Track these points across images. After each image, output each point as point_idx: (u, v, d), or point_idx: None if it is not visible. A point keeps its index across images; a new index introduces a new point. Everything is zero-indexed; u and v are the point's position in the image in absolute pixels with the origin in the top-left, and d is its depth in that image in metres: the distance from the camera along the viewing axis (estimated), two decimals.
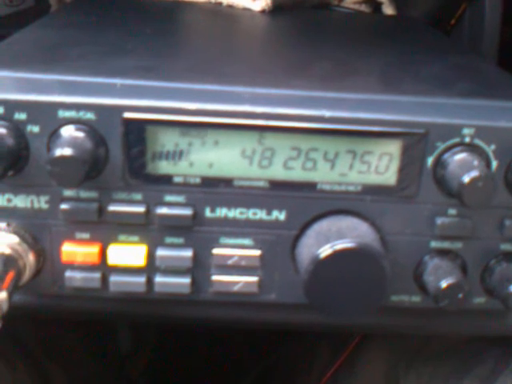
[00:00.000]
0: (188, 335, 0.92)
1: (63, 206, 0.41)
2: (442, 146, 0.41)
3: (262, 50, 0.56)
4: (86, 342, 0.80)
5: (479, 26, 0.73)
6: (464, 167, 0.40)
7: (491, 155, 0.41)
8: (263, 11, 0.68)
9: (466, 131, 0.41)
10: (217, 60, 0.49)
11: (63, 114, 0.39)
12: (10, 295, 0.39)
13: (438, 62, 0.52)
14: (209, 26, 0.64)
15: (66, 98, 0.39)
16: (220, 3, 0.71)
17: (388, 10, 0.81)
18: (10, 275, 0.40)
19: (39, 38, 0.50)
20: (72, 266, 0.43)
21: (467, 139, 0.41)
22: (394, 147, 0.41)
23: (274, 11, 0.69)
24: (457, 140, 0.41)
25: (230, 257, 0.43)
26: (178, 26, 0.62)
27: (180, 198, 0.42)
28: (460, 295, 0.42)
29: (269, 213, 0.42)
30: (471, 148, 0.41)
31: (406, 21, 0.75)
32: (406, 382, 0.62)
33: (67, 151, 0.37)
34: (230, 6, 0.71)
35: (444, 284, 0.42)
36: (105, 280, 0.43)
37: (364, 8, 0.81)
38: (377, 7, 0.81)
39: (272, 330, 0.54)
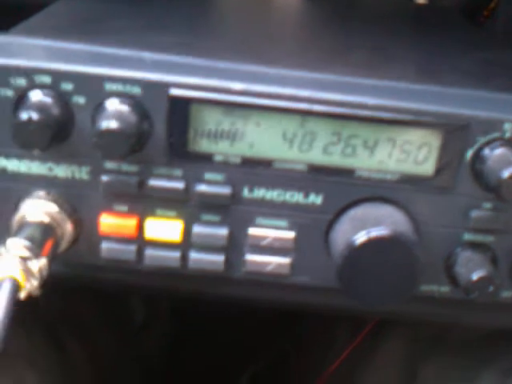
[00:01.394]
0: (203, 312, 0.92)
1: (104, 178, 0.42)
2: (482, 140, 0.41)
3: (300, 34, 0.56)
4: (100, 314, 0.81)
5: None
6: (503, 162, 0.40)
7: None
8: None
9: (507, 126, 0.41)
10: (257, 42, 0.49)
11: (110, 86, 0.39)
12: (49, 263, 0.39)
13: (473, 55, 0.52)
14: (245, 7, 0.64)
15: (114, 70, 0.39)
16: None
17: None
18: (49, 243, 0.40)
19: (79, 9, 0.51)
20: (109, 238, 0.43)
21: (508, 134, 0.41)
22: (434, 138, 0.41)
23: None
24: (497, 135, 0.41)
25: (265, 237, 0.44)
26: (215, 4, 0.62)
27: (219, 177, 0.42)
28: (491, 288, 0.43)
29: (306, 196, 0.43)
30: (511, 143, 0.41)
31: (439, 11, 0.75)
32: (423, 371, 0.63)
33: (114, 124, 0.38)
34: None
35: (475, 276, 0.42)
36: (140, 253, 0.44)
37: None
38: None
39: (296, 312, 0.55)
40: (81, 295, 0.74)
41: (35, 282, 0.38)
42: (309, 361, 0.90)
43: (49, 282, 0.39)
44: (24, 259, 0.37)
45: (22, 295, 0.37)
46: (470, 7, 0.80)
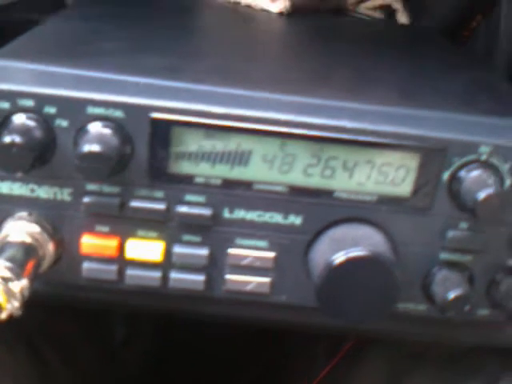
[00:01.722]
0: (185, 330, 0.92)
1: (86, 200, 0.42)
2: (458, 162, 0.42)
3: (282, 55, 0.57)
4: (82, 330, 0.81)
5: (494, 38, 0.74)
6: (479, 184, 0.41)
7: (506, 173, 0.42)
8: (281, 14, 0.69)
9: (483, 149, 0.42)
10: (239, 64, 0.49)
11: (92, 110, 0.40)
12: (31, 283, 0.40)
13: (454, 76, 0.53)
14: (228, 26, 0.65)
15: (96, 94, 0.40)
16: (238, 3, 0.72)
17: (402, 18, 0.81)
18: (31, 263, 0.41)
19: (63, 31, 0.51)
20: (90, 258, 0.44)
21: (484, 157, 0.42)
22: (411, 160, 0.42)
23: (290, 14, 0.70)
24: (473, 157, 0.42)
25: (245, 257, 0.44)
26: (198, 23, 0.63)
27: (200, 198, 0.43)
28: (466, 307, 0.43)
29: (285, 217, 0.43)
30: (487, 165, 0.42)
31: (420, 30, 0.76)
32: None
33: (96, 147, 0.38)
34: (248, 6, 0.71)
35: (451, 295, 0.43)
36: (121, 273, 0.44)
37: (378, 15, 0.82)
38: (391, 14, 0.82)
39: (277, 329, 0.55)
40: (62, 312, 0.74)
41: (16, 303, 0.38)
42: (291, 379, 0.90)
43: (30, 300, 0.39)
44: (5, 280, 0.38)
45: (3, 316, 0.37)
46: (452, 27, 0.81)
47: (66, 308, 0.71)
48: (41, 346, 0.70)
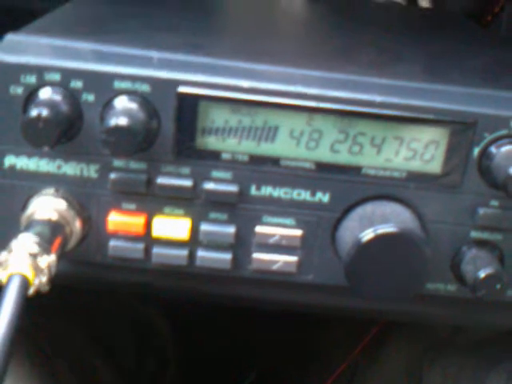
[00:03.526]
0: (208, 327, 0.92)
1: (112, 176, 0.42)
2: (489, 137, 0.41)
3: (307, 35, 0.57)
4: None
5: None
6: (510, 159, 0.40)
7: None
8: None
9: None
10: (265, 42, 0.49)
11: (119, 84, 0.40)
12: (58, 260, 0.39)
13: (480, 55, 0.53)
14: (251, 7, 0.65)
15: (123, 68, 0.40)
16: None
17: (423, 2, 0.81)
18: (58, 240, 0.40)
19: (87, 11, 0.51)
20: (116, 236, 0.43)
21: None
22: (441, 136, 0.42)
23: None
24: (504, 132, 0.41)
25: (272, 235, 0.44)
26: (221, 4, 0.63)
27: (227, 175, 0.42)
28: (498, 286, 0.43)
29: (313, 194, 0.43)
30: None
31: (443, 14, 0.75)
32: (429, 375, 0.63)
33: (123, 121, 0.38)
34: None
35: (483, 274, 0.42)
36: (148, 251, 0.44)
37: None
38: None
39: (305, 313, 0.55)
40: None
41: (44, 279, 0.38)
42: (313, 367, 0.89)
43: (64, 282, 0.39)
44: (33, 255, 0.37)
45: (31, 291, 0.37)
46: (474, 11, 0.80)
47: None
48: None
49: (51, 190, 0.42)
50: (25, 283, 0.36)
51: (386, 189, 0.43)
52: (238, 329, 0.98)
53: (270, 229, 0.44)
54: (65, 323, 0.73)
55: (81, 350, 0.75)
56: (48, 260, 0.38)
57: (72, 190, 0.42)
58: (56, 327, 0.71)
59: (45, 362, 0.66)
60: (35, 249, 0.38)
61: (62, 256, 0.40)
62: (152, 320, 0.92)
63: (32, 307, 0.37)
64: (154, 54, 0.41)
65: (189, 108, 0.40)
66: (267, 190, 0.43)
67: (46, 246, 0.38)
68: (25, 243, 0.37)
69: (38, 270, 0.37)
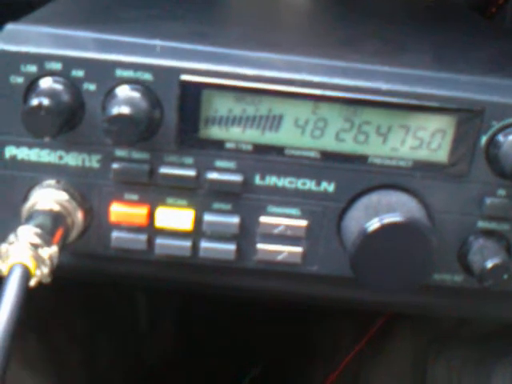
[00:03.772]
0: (209, 324, 0.92)
1: (114, 166, 0.41)
2: (497, 126, 0.41)
3: (312, 25, 0.56)
4: (102, 320, 0.80)
5: None
6: None
7: None
8: None
9: None
10: (269, 31, 0.48)
11: (121, 73, 0.39)
12: (59, 251, 0.39)
13: (485, 45, 0.52)
14: None
15: (125, 57, 0.39)
16: None
17: None
18: (60, 232, 0.40)
19: (88, 0, 0.50)
20: (119, 227, 0.43)
21: None
22: (448, 124, 0.41)
23: None
24: None
25: (277, 226, 0.43)
26: None
27: (231, 164, 0.42)
28: (505, 276, 0.42)
29: (318, 184, 0.42)
30: None
31: (447, 5, 0.75)
32: (434, 367, 0.62)
33: (125, 110, 0.37)
34: None
35: (490, 264, 0.42)
36: (151, 242, 0.43)
37: None
38: None
39: (310, 304, 0.54)
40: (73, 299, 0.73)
41: (46, 270, 0.37)
42: (317, 359, 0.89)
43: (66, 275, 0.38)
44: (35, 246, 0.37)
45: (33, 282, 0.37)
46: (479, 3, 0.80)
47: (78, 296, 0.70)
48: (53, 334, 0.69)
49: (52, 181, 0.42)
50: (26, 273, 0.36)
51: (391, 178, 0.42)
52: (240, 322, 0.97)
53: (274, 219, 0.43)
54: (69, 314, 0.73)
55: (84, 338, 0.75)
56: (49, 251, 0.37)
57: (73, 181, 0.42)
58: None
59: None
60: (37, 240, 0.37)
61: (63, 247, 0.40)
62: (152, 315, 0.92)
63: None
64: (157, 43, 0.40)
65: (192, 97, 0.40)
66: (272, 180, 0.42)
67: (47, 237, 0.38)
68: (26, 235, 0.37)
69: (39, 260, 0.37)
